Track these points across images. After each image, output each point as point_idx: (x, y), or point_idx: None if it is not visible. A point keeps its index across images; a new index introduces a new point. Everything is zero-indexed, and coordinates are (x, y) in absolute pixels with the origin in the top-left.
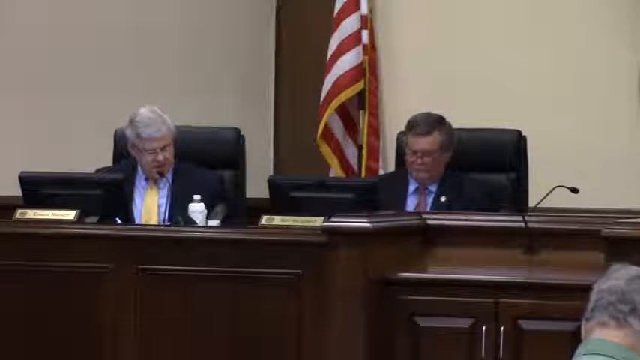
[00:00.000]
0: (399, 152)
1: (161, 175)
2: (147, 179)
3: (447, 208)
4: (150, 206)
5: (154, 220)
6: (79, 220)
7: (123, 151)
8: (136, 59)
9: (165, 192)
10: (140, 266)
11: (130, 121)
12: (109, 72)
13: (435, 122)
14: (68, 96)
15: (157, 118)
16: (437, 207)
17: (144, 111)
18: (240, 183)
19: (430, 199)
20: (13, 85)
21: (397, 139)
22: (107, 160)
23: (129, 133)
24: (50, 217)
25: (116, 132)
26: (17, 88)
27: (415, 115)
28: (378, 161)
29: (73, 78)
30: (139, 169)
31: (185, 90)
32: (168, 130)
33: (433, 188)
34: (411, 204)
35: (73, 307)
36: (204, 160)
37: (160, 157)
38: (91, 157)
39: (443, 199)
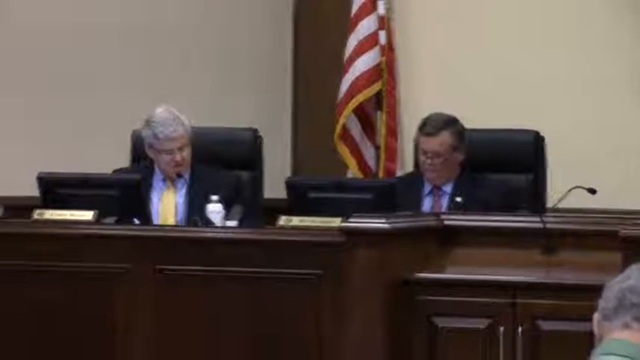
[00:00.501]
0: (416, 153)
1: (179, 175)
2: (164, 180)
3: (463, 208)
4: (167, 207)
5: (171, 221)
6: (97, 220)
7: (140, 152)
8: (153, 59)
9: (182, 192)
10: (158, 267)
11: (146, 121)
12: (126, 72)
13: (444, 122)
14: (85, 96)
15: (174, 118)
16: (452, 207)
17: (160, 111)
18: (257, 183)
19: (445, 200)
20: (32, 85)
21: (414, 140)
22: (124, 161)
23: (145, 133)
24: (68, 217)
25: (133, 133)
26: (35, 89)
27: (427, 116)
28: (395, 162)
29: (90, 78)
30: (157, 169)
31: (202, 90)
32: (185, 130)
33: (448, 189)
34: (427, 205)
35: (90, 307)
36: (222, 161)
37: (178, 157)
38: (109, 157)
39: (458, 199)
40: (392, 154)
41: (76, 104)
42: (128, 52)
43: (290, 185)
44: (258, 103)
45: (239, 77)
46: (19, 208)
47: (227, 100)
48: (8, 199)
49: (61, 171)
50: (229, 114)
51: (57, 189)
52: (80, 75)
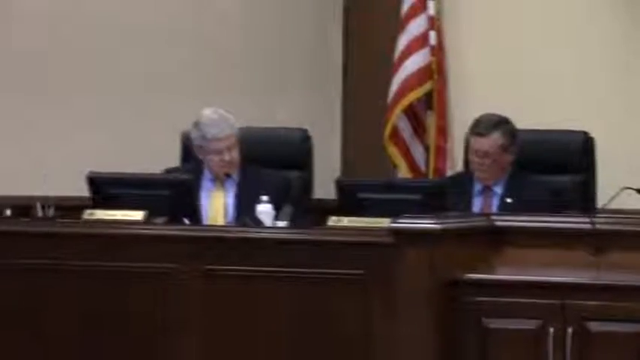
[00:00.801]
0: (466, 153)
1: (228, 175)
2: (213, 180)
3: (513, 209)
4: (216, 207)
5: (220, 221)
6: (147, 220)
7: (189, 152)
8: (204, 59)
9: (232, 193)
10: (207, 267)
11: (194, 123)
12: (175, 72)
13: (495, 123)
14: (136, 97)
15: (221, 118)
16: (503, 208)
17: (208, 112)
18: (307, 184)
19: (495, 200)
20: (82, 86)
21: (465, 140)
22: (173, 160)
23: (194, 135)
24: (118, 217)
25: (183, 133)
26: (85, 89)
27: (479, 116)
28: (445, 162)
29: (140, 78)
30: (205, 170)
31: (251, 90)
32: (233, 130)
33: (498, 189)
34: (477, 205)
35: (140, 307)
36: (272, 161)
37: (226, 157)
38: (159, 157)
39: (509, 200)
40: (442, 154)
41: (127, 104)
42: (177, 52)
43: (340, 185)
44: (308, 103)
45: (289, 77)
46: (70, 208)
47: (277, 100)
48: (59, 199)
49: (111, 171)
50: (279, 114)
51: (107, 189)
52: (131, 75)
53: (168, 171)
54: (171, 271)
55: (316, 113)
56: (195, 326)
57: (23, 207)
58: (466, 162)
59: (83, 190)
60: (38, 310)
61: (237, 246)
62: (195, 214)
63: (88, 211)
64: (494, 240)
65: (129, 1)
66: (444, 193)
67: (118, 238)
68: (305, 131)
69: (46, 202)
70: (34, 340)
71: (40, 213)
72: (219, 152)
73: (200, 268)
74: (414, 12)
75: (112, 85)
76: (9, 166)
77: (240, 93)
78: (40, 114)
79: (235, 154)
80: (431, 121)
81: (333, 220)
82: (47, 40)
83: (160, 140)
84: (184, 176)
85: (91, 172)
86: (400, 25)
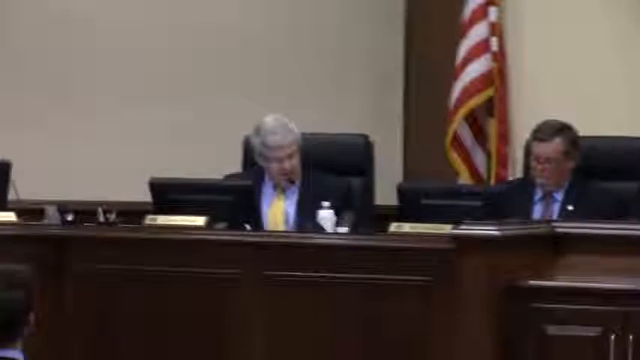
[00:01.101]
0: (526, 158)
1: (291, 181)
2: (275, 187)
3: (574, 216)
4: (277, 214)
5: (280, 227)
6: (208, 226)
7: (251, 158)
8: (264, 62)
9: (293, 199)
10: (268, 272)
11: (255, 129)
12: (234, 75)
13: (557, 129)
14: (195, 100)
15: (283, 125)
16: (564, 215)
17: (269, 120)
18: (368, 190)
19: (556, 207)
20: (144, 89)
21: (525, 146)
22: (234, 166)
23: (255, 142)
24: (180, 223)
25: (245, 138)
26: (148, 92)
27: (542, 122)
28: (506, 168)
29: (199, 82)
30: (266, 176)
31: (313, 95)
32: (294, 137)
33: (559, 196)
34: (537, 211)
35: (201, 312)
36: (333, 167)
37: (287, 165)
38: (218, 161)
39: (570, 207)
40: (503, 160)
41: (186, 109)
42: (238, 54)
43: (402, 191)
44: (369, 109)
45: (350, 82)
46: (132, 213)
47: (338, 106)
48: (121, 204)
49: (172, 176)
50: (340, 120)
51: (169, 194)
52: (198, 78)
53: (228, 177)
54: (232, 276)
55: (378, 119)
56: (256, 332)
57: (85, 212)
58: (527, 168)
59: (145, 196)
60: (105, 313)
61: (298, 252)
62: (256, 221)
63: (150, 217)
64: (555, 247)
65: (177, 2)
66: (505, 200)
67: (180, 244)
68: (366, 137)
69: (108, 207)
70: (101, 342)
71: (101, 218)
72: (280, 160)
73: (261, 274)
74: (476, 18)
75: (176, 87)
76: (74, 170)
77: (300, 98)
78: (103, 118)
79: (296, 162)
80: (492, 127)
81: (394, 227)
82: (120, 44)
83: (220, 145)
84: (245, 182)
85: (152, 178)
86: (461, 30)
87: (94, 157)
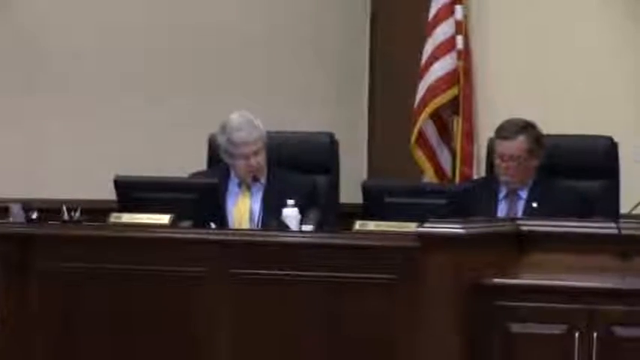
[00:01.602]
0: (489, 157)
1: (255, 179)
2: (240, 184)
3: (539, 213)
4: (242, 211)
5: (245, 225)
6: (173, 224)
7: (216, 155)
8: (228, 62)
9: (258, 197)
10: (233, 270)
11: (221, 127)
12: (201, 74)
13: (521, 127)
14: (161, 99)
15: (248, 122)
16: (528, 213)
17: (235, 116)
18: (333, 188)
19: (521, 205)
20: (115, 88)
21: (488, 145)
22: (200, 164)
23: (221, 139)
24: (144, 221)
25: (210, 136)
26: (113, 91)
27: (505, 120)
28: (471, 167)
29: (166, 80)
30: (232, 174)
31: (278, 94)
32: (260, 134)
33: (523, 194)
34: (502, 209)
35: (165, 311)
36: (298, 165)
37: (253, 162)
38: (184, 161)
39: (534, 204)
40: (468, 158)
41: (152, 107)
42: (206, 53)
43: (366, 189)
44: (334, 108)
45: (315, 82)
46: (96, 211)
47: (303, 105)
48: (86, 203)
49: (138, 174)
50: (306, 118)
51: (133, 192)
52: (151, 77)
53: (194, 175)
54: (197, 274)
55: (343, 117)
56: (222, 330)
57: (50, 210)
58: (490, 166)
59: (109, 194)
60: (70, 311)
61: (263, 250)
62: (221, 219)
63: (115, 215)
64: (520, 244)
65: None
66: (470, 198)
67: (144, 242)
68: (332, 135)
69: (72, 205)
70: (66, 340)
71: (66, 216)
72: (247, 157)
73: (226, 272)
74: (442, 17)
75: (140, 86)
76: (39, 168)
77: (266, 96)
78: (73, 118)
79: (262, 159)
80: (457, 125)
81: (359, 225)
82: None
83: (186, 143)
84: (210, 180)
85: (117, 176)
86: (427, 29)
87: (61, 156)
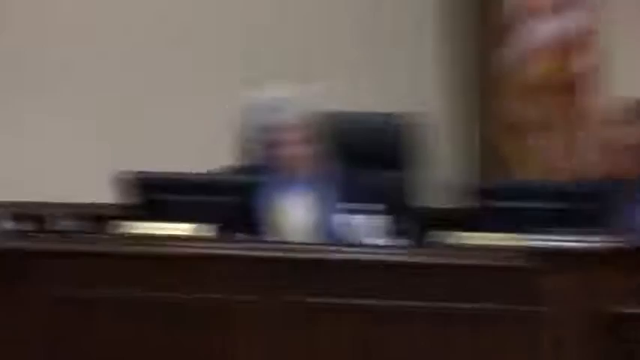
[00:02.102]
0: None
1: (308, 176)
2: (284, 183)
3: None
4: (295, 219)
5: (299, 238)
6: (204, 235)
7: (248, 146)
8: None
9: (310, 199)
10: (288, 298)
11: (252, 106)
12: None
13: None
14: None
15: (290, 98)
16: None
17: (271, 92)
18: (413, 187)
19: None
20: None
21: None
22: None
23: (253, 122)
24: (168, 232)
25: (240, 118)
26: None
27: None
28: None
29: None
30: (273, 170)
31: (341, 67)
32: (306, 114)
33: None
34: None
35: (199, 349)
36: (368, 157)
37: (298, 152)
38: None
39: None
40: (586, 150)
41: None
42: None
43: (461, 190)
44: (416, 82)
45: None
46: (93, 218)
47: (382, 79)
48: (80, 207)
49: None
50: (377, 94)
51: (152, 194)
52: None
53: (225, 170)
54: (239, 304)
55: (426, 95)
56: None
57: (31, 217)
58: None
59: (103, 196)
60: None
61: (326, 271)
62: (263, 228)
63: (127, 224)
64: None
65: None
66: (601, 201)
67: (167, 260)
68: (411, 117)
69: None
70: None
71: (52, 225)
72: (288, 145)
73: (278, 301)
74: None
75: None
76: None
77: (327, 69)
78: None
79: (311, 148)
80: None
81: (455, 237)
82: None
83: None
84: (250, 177)
85: (137, 172)
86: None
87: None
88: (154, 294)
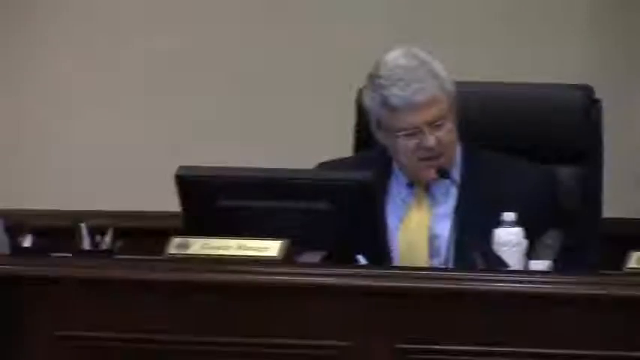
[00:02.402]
0: None
1: (441, 174)
2: (410, 185)
3: None
4: (416, 232)
5: (422, 259)
6: (289, 257)
7: (367, 131)
8: None
9: (447, 206)
10: (401, 346)
11: (370, 75)
12: None
13: None
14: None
15: (419, 66)
16: None
17: (395, 56)
18: (593, 187)
19: None
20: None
21: None
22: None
23: (370, 99)
24: (234, 252)
25: (359, 94)
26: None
27: None
28: None
29: None
30: (394, 165)
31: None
32: (443, 88)
33: None
34: None
35: None
36: (524, 145)
37: (430, 142)
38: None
39: None
40: None
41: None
42: None
43: None
44: (592, 52)
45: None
46: (140, 232)
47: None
48: (119, 217)
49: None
50: (538, 66)
51: (212, 198)
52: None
53: (323, 167)
54: (338, 352)
55: (608, 71)
56: None
57: (56, 231)
58: None
59: (166, 202)
60: None
61: (460, 306)
62: (377, 245)
63: (178, 241)
64: None
65: None
66: None
67: (234, 290)
68: (590, 91)
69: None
70: None
71: (86, 243)
72: (416, 132)
73: (388, 347)
74: None
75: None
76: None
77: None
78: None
79: (447, 134)
80: None
81: (637, 259)
82: None
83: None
84: (361, 174)
85: (181, 168)
86: None
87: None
88: (222, 340)
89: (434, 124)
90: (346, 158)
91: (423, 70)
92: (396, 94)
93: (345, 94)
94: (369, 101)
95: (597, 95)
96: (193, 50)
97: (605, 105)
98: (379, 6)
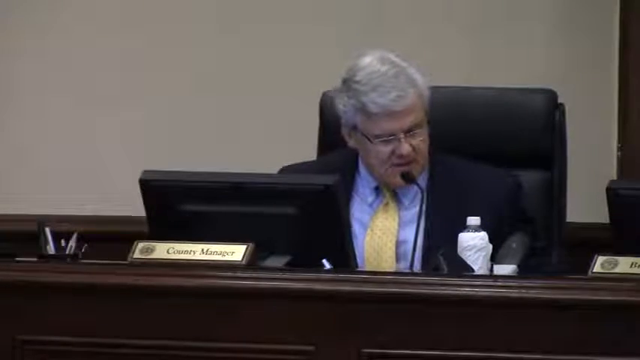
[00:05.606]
0: None
1: (408, 180)
2: (378, 189)
3: None
4: (383, 237)
5: (388, 264)
6: (253, 262)
7: (333, 134)
8: None
9: (413, 212)
10: (367, 350)
11: (345, 80)
12: None
13: None
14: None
15: (396, 72)
16: None
17: (370, 61)
18: (557, 192)
19: None
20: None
21: None
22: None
23: (345, 103)
24: (199, 256)
25: (323, 97)
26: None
27: None
28: None
29: None
30: (362, 170)
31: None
32: (419, 93)
33: None
34: None
35: None
36: (490, 151)
37: (404, 149)
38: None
39: None
40: None
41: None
42: None
43: (614, 196)
44: (555, 54)
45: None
46: (106, 237)
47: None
48: (84, 222)
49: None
50: (513, 71)
51: (176, 202)
52: None
53: (286, 170)
54: (300, 356)
55: (571, 73)
56: None
57: (21, 235)
58: None
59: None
60: None
61: (428, 313)
62: (343, 250)
63: (142, 245)
64: None
65: None
66: None
67: (200, 296)
68: (553, 95)
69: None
70: None
71: (51, 248)
72: (392, 138)
73: (354, 352)
74: None
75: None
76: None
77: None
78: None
79: (422, 141)
80: None
81: (602, 263)
82: None
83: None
84: (324, 178)
85: (145, 172)
86: None
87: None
88: (190, 344)
89: (410, 132)
90: (309, 162)
91: (403, 77)
92: (375, 100)
93: (310, 97)
94: (342, 106)
95: (561, 99)
96: (162, 50)
97: (569, 108)
98: (342, 8)
